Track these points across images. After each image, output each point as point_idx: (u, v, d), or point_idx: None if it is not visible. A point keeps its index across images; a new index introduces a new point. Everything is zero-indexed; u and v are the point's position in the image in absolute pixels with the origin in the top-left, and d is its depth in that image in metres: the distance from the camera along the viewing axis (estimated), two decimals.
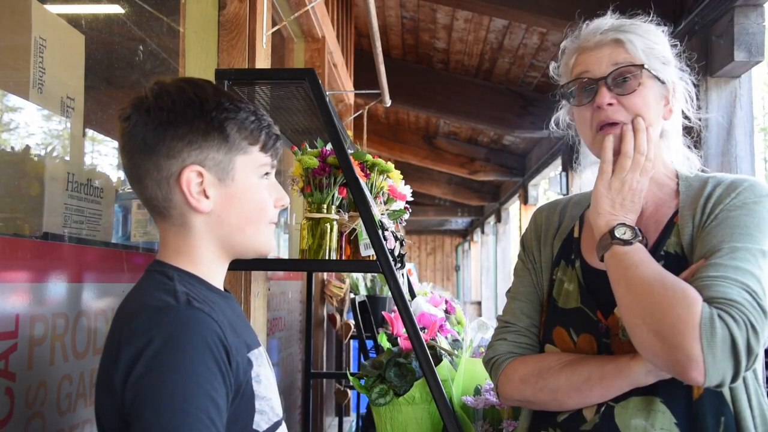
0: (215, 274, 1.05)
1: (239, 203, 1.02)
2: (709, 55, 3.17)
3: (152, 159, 0.98)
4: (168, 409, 0.84)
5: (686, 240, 1.13)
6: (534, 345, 1.26)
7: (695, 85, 1.25)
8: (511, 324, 1.28)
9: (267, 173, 1.06)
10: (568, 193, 5.97)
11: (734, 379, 0.98)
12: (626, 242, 1.09)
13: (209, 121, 0.98)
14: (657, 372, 1.06)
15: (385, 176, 1.96)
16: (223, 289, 1.08)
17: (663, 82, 1.18)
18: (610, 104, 1.15)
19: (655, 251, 1.14)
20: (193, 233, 1.02)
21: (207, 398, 0.86)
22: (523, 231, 1.38)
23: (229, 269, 1.58)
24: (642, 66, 1.16)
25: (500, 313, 1.33)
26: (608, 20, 1.23)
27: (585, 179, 1.42)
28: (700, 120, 1.27)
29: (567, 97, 1.24)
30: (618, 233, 1.10)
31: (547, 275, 1.29)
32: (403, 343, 1.89)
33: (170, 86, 1.00)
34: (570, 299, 1.22)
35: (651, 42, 1.19)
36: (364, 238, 1.77)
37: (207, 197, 1.00)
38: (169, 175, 0.98)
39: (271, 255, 2.26)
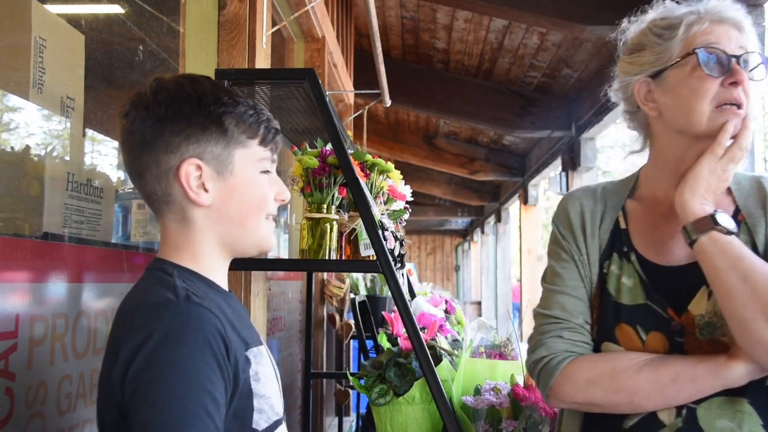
0: (216, 270, 1.05)
1: (238, 197, 1.02)
2: None
3: (151, 154, 0.99)
4: (166, 404, 0.84)
5: (761, 239, 1.10)
6: (589, 343, 1.17)
7: None
8: (564, 320, 1.18)
9: (268, 167, 1.06)
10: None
11: None
12: (729, 232, 1.04)
13: (207, 115, 0.99)
14: (757, 372, 1.03)
15: (385, 176, 1.96)
16: (225, 288, 1.08)
17: None
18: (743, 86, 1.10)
19: None
20: (193, 228, 1.02)
21: (205, 393, 0.86)
22: (557, 217, 1.28)
23: (229, 269, 1.57)
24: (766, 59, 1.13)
25: (540, 306, 1.23)
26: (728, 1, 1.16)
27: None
28: None
29: (704, 63, 1.12)
30: (721, 220, 1.04)
31: (596, 268, 1.20)
32: (403, 343, 1.89)
33: (168, 82, 1.01)
34: (633, 295, 1.15)
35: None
36: (364, 238, 1.77)
37: (206, 191, 1.00)
38: (168, 169, 0.99)
39: (271, 255, 2.24)
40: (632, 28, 1.24)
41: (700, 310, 1.09)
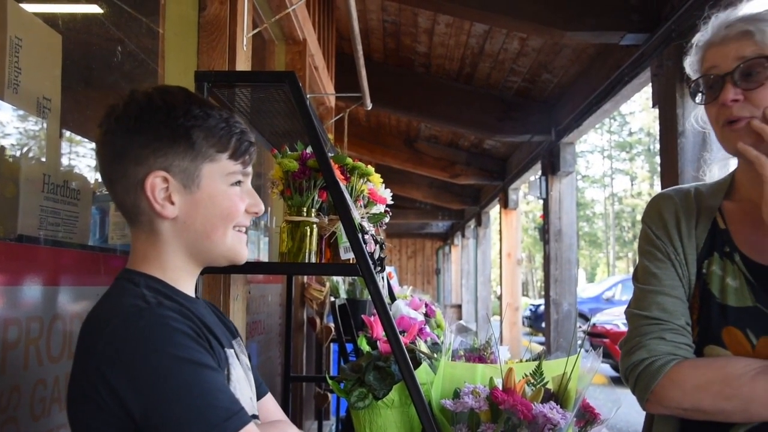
0: (183, 281, 1.05)
1: (204, 210, 1.03)
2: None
3: (121, 166, 1.00)
4: (187, 398, 0.86)
5: None
6: (692, 346, 1.13)
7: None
8: (665, 321, 1.14)
9: (239, 180, 1.06)
10: (547, 197, 6.01)
11: None
12: None
13: (175, 128, 1.00)
14: None
15: (365, 179, 1.96)
16: (192, 296, 1.09)
17: None
18: (735, 101, 1.09)
19: None
20: (161, 239, 1.03)
21: (210, 369, 0.90)
22: (648, 217, 1.25)
23: (208, 273, 1.56)
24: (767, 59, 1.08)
25: (636, 307, 1.19)
26: (739, 12, 1.15)
27: (711, 175, 1.34)
28: None
29: (693, 95, 1.17)
30: None
31: (693, 268, 1.17)
32: (383, 346, 1.89)
33: (140, 94, 1.02)
34: (741, 297, 1.11)
35: None
36: (343, 242, 1.76)
37: (172, 203, 1.01)
38: (136, 181, 1.00)
39: (251, 258, 2.21)
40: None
41: None
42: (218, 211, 1.03)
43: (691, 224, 1.20)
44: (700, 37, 1.19)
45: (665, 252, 1.20)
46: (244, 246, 1.09)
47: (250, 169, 1.09)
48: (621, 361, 1.19)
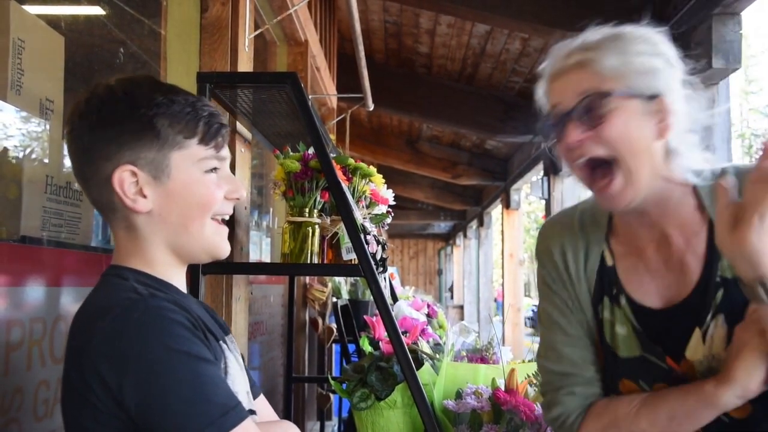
0: (172, 275, 1.02)
1: (179, 200, 0.99)
2: (687, 62, 3.21)
3: (91, 163, 0.97)
4: (183, 392, 0.85)
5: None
6: (602, 393, 1.15)
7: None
8: (575, 375, 1.14)
9: (214, 165, 1.02)
10: (549, 198, 6.00)
11: None
12: None
13: (138, 119, 0.96)
14: (747, 394, 0.98)
15: (368, 180, 1.97)
16: (184, 291, 1.07)
17: (652, 96, 1.02)
18: (581, 141, 1.02)
19: (708, 280, 1.03)
20: (139, 235, 1.00)
21: (207, 363, 0.89)
22: (540, 255, 1.21)
23: (210, 273, 1.56)
24: (607, 93, 1.00)
25: (546, 358, 1.18)
26: (578, 39, 1.08)
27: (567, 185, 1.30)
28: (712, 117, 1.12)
29: (544, 134, 1.10)
30: None
31: (590, 313, 1.15)
32: (385, 347, 1.89)
33: (101, 88, 0.99)
34: (630, 347, 1.11)
35: (631, 54, 1.04)
36: (345, 242, 1.77)
37: (144, 197, 0.97)
38: (106, 177, 0.96)
39: (253, 258, 2.21)
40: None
41: (698, 356, 1.04)
42: (194, 200, 0.99)
43: (579, 263, 1.16)
44: (544, 67, 1.12)
45: (563, 298, 1.17)
46: (226, 239, 1.05)
47: (225, 152, 1.04)
48: (543, 413, 1.22)
